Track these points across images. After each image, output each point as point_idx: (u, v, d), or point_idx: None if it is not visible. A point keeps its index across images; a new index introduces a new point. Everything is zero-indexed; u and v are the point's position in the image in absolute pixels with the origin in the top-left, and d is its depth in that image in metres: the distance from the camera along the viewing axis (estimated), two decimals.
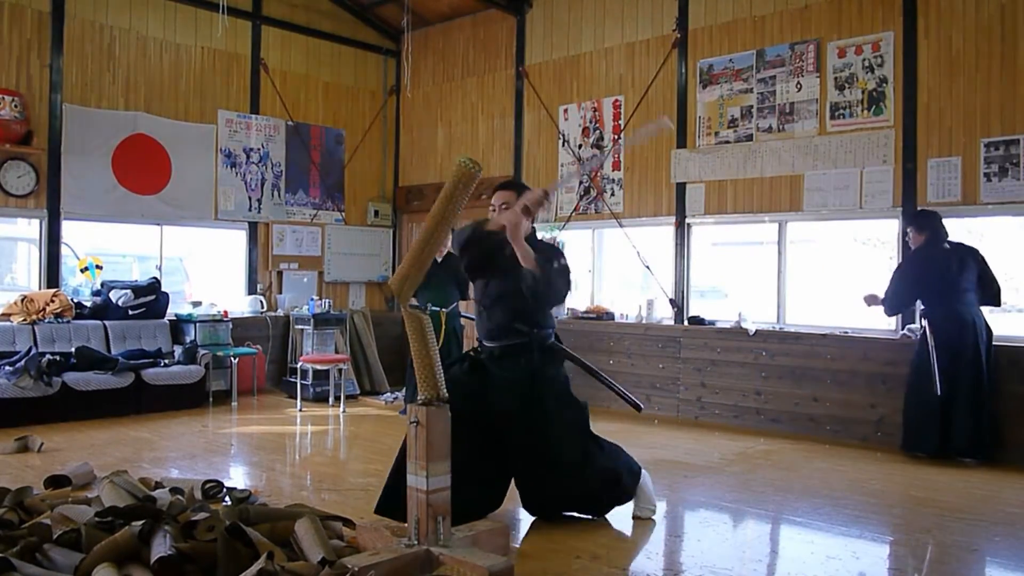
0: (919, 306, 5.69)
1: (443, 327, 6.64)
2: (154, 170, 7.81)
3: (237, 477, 4.90)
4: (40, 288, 7.13)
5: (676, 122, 7.38)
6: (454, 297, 6.91)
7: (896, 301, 5.63)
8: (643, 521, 3.95)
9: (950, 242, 5.56)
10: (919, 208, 5.86)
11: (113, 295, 7.22)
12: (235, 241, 8.65)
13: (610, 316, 7.64)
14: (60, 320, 6.87)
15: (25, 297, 6.87)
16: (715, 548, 3.60)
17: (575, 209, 8.12)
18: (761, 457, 5.51)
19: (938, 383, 5.27)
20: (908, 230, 5.72)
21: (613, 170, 7.85)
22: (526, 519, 4.01)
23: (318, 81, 9.16)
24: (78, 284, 7.56)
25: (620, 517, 4.03)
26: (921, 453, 5.44)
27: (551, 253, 4.03)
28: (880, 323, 6.40)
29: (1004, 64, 5.73)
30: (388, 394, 8.27)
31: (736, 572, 3.30)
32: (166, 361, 7.09)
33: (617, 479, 3.92)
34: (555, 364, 3.98)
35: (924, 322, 5.48)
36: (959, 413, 5.25)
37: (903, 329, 6.02)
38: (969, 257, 5.48)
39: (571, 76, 8.23)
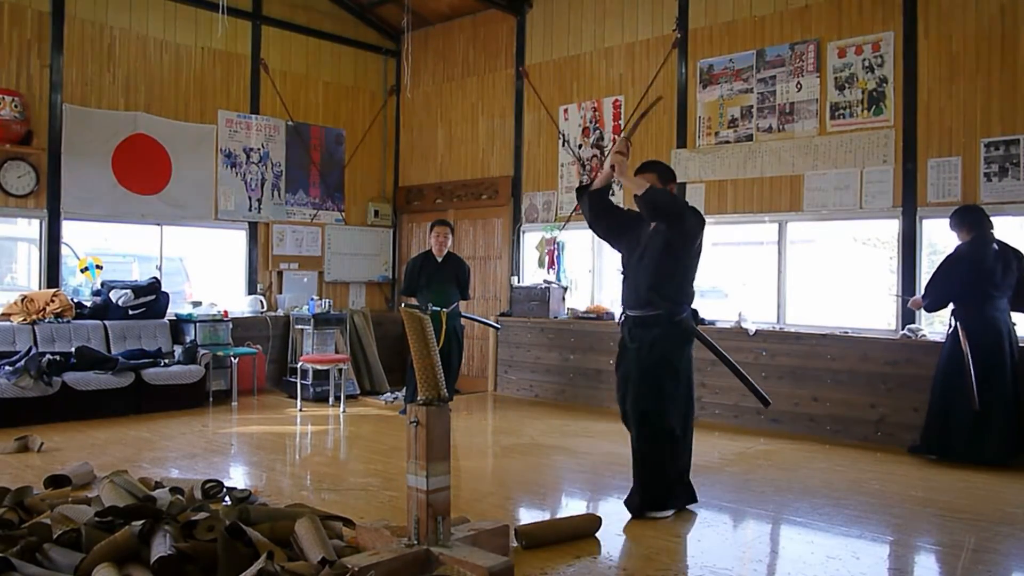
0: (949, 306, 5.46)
1: (443, 327, 6.64)
2: (154, 170, 7.81)
3: (237, 477, 4.90)
4: (40, 288, 7.13)
5: (676, 122, 7.39)
6: (454, 297, 6.91)
7: (938, 299, 5.38)
8: (646, 521, 3.95)
9: (998, 242, 5.35)
10: (967, 204, 5.62)
11: (113, 295, 7.22)
12: (235, 241, 8.66)
13: (610, 316, 7.63)
14: (60, 320, 6.87)
15: (25, 297, 6.88)
16: (715, 548, 3.60)
17: (575, 209, 8.12)
18: (761, 457, 5.51)
19: (976, 397, 5.06)
20: (954, 225, 5.43)
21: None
22: (526, 519, 4.01)
23: (318, 81, 9.17)
24: (78, 284, 7.56)
25: (620, 517, 4.03)
26: (935, 456, 5.34)
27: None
28: (880, 323, 6.40)
29: (1004, 64, 5.73)
30: (388, 394, 8.27)
31: (736, 572, 3.30)
32: (166, 361, 7.08)
33: (652, 481, 4.05)
34: (679, 341, 4.11)
35: (957, 324, 5.27)
36: (993, 422, 5.11)
37: (903, 329, 6.02)
38: (1013, 260, 5.31)
39: (571, 76, 8.23)
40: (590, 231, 7.94)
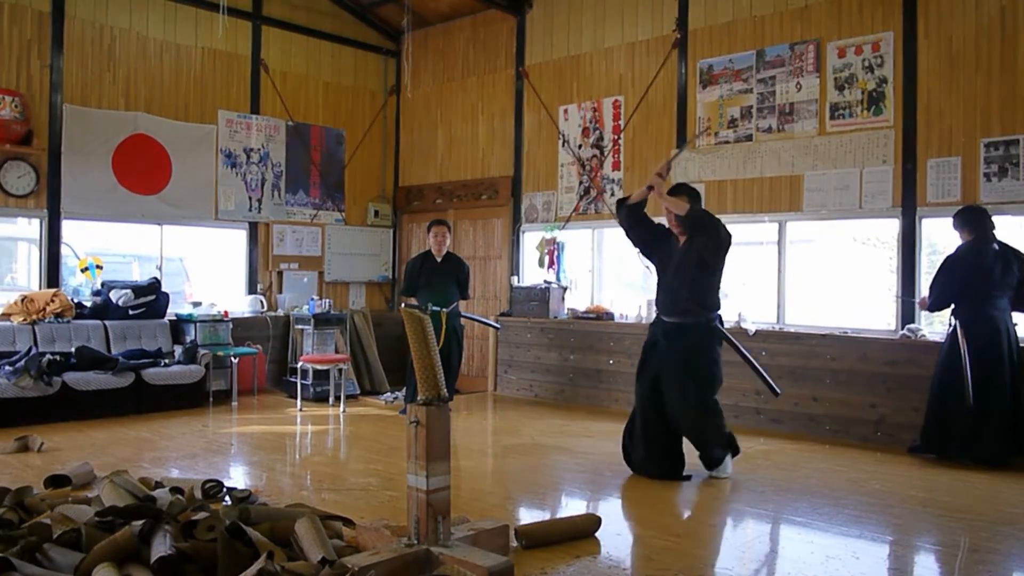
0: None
1: (443, 327, 6.64)
2: (154, 170, 7.82)
3: (237, 477, 4.90)
4: (40, 288, 7.14)
5: (676, 122, 7.39)
6: (454, 297, 6.92)
7: (939, 299, 5.40)
8: (646, 520, 3.95)
9: (999, 242, 5.33)
10: (969, 204, 5.60)
11: (113, 295, 7.22)
12: (235, 241, 8.66)
13: (610, 316, 7.64)
14: (60, 320, 6.87)
15: (25, 297, 6.88)
16: (715, 548, 3.60)
17: (575, 209, 8.12)
18: (761, 457, 5.51)
19: (970, 394, 5.08)
20: (956, 225, 5.43)
21: (613, 170, 7.85)
22: (526, 519, 4.01)
23: (318, 81, 9.17)
24: (78, 284, 7.56)
25: (620, 517, 4.03)
26: (934, 456, 5.34)
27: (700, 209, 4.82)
28: (880, 323, 6.40)
29: (1004, 64, 5.73)
30: (388, 394, 8.27)
31: (736, 572, 3.30)
32: (166, 361, 7.08)
33: (712, 443, 4.84)
34: (713, 343, 4.81)
35: (956, 323, 5.28)
36: (991, 421, 5.10)
37: (903, 329, 6.02)
38: (1014, 260, 5.27)
39: (571, 76, 8.23)
40: (590, 231, 8.10)
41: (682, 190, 4.90)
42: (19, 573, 2.72)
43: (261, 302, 8.46)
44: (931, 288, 5.50)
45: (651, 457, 4.84)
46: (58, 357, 6.43)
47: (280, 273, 8.85)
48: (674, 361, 4.76)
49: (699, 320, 4.75)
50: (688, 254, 4.73)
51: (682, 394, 4.73)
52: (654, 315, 5.07)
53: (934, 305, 5.49)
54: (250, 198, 8.56)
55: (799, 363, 6.33)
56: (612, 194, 7.83)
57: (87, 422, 6.30)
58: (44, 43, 7.14)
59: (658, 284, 4.95)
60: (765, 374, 4.89)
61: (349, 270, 9.45)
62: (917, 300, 5.89)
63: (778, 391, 4.92)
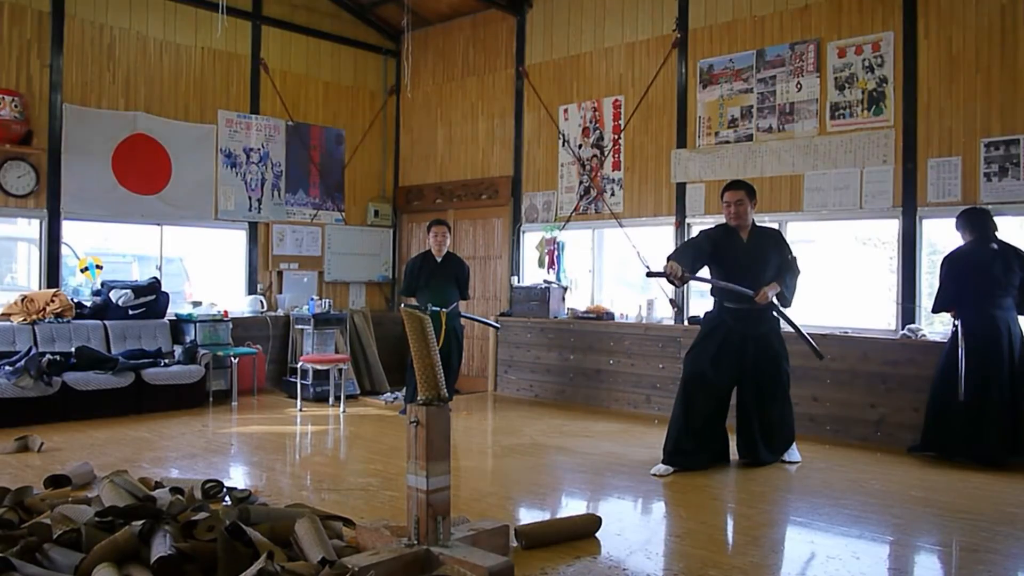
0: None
1: (443, 327, 6.64)
2: (154, 170, 7.81)
3: (237, 477, 4.90)
4: (40, 288, 7.14)
5: (676, 122, 7.39)
6: (454, 297, 6.92)
7: (940, 301, 5.42)
8: (645, 520, 3.94)
9: (1000, 242, 5.32)
10: (970, 206, 5.59)
11: (113, 295, 7.22)
12: (235, 241, 8.66)
13: (610, 316, 7.64)
14: (60, 320, 6.87)
15: (25, 297, 6.88)
16: (715, 548, 3.60)
17: (575, 209, 8.12)
18: None
19: (963, 389, 5.10)
20: (958, 227, 5.44)
21: (613, 170, 7.85)
22: (526, 519, 4.01)
23: (318, 81, 9.17)
24: (78, 284, 7.56)
25: (620, 517, 4.03)
26: (934, 454, 5.34)
27: (781, 251, 5.25)
28: (880, 323, 6.40)
29: (1004, 64, 5.73)
30: (388, 394, 8.27)
31: (736, 572, 3.29)
32: (166, 361, 7.08)
33: (789, 429, 5.33)
34: (776, 325, 5.24)
35: (957, 323, 5.28)
36: (989, 420, 5.09)
37: (903, 329, 6.02)
38: (1015, 259, 5.25)
39: (571, 76, 8.23)
40: (590, 231, 8.10)
41: (742, 185, 5.19)
42: (19, 573, 2.72)
43: (261, 302, 8.46)
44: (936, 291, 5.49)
45: (712, 447, 5.13)
46: (58, 357, 6.43)
47: (280, 273, 8.85)
48: (764, 349, 5.15)
49: (767, 307, 5.13)
50: (757, 253, 5.12)
51: (771, 379, 5.17)
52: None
53: (935, 308, 5.50)
54: (250, 198, 8.56)
55: (799, 363, 6.29)
56: (612, 194, 7.83)
57: (87, 422, 6.30)
58: (44, 43, 7.14)
59: (724, 275, 5.20)
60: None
61: (349, 270, 9.45)
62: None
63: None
